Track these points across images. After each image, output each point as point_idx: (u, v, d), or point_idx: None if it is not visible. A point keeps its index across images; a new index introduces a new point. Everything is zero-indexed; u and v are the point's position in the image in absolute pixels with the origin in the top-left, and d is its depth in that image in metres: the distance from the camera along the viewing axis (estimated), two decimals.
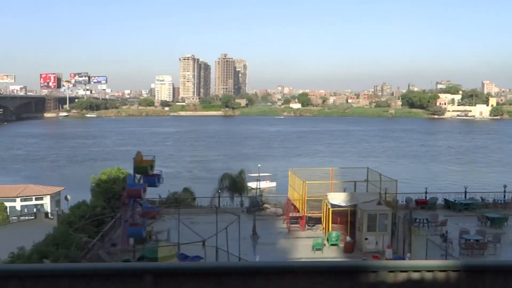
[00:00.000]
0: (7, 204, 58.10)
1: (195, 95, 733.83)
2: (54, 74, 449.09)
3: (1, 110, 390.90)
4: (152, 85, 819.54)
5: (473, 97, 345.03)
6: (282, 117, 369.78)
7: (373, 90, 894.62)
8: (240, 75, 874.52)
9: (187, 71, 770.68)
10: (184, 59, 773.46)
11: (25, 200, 59.67)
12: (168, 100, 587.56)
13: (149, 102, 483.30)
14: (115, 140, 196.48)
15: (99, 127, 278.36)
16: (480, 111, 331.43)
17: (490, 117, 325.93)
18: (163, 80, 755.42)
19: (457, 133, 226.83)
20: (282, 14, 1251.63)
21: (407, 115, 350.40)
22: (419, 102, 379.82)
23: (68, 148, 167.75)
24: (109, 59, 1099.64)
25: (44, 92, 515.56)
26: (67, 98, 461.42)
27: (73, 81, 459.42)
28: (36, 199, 60.10)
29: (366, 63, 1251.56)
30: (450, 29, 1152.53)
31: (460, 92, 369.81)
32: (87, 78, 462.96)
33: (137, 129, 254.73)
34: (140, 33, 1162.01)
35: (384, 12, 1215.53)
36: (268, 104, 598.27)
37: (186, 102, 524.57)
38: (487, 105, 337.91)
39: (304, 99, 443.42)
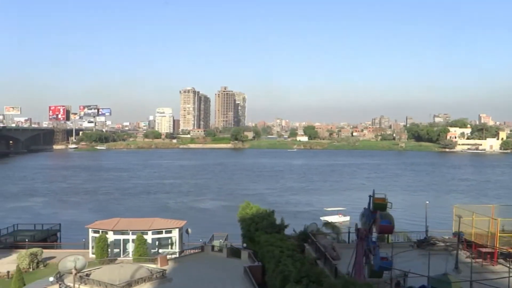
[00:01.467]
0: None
1: (195, 127, 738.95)
2: (63, 106, 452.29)
3: (11, 142, 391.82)
4: (151, 117, 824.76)
5: (482, 130, 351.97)
6: (295, 150, 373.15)
7: (370, 122, 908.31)
8: (239, 107, 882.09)
9: (188, 104, 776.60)
10: (185, 91, 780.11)
11: (156, 233, 61.79)
12: (168, 132, 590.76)
13: (156, 135, 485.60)
14: (150, 172, 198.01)
15: (119, 159, 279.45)
16: (491, 145, 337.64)
17: (500, 151, 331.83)
18: (163, 112, 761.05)
19: (483, 167, 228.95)
20: (278, 48, 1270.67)
21: (418, 148, 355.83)
22: (427, 135, 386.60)
23: (109, 180, 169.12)
24: (107, 92, 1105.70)
25: (44, 123, 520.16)
26: (73, 130, 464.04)
27: (82, 113, 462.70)
28: (166, 232, 62.26)
29: (361, 96, 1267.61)
30: (446, 63, 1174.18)
31: (468, 125, 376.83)
32: (96, 111, 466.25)
33: (161, 162, 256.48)
34: (139, 66, 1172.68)
35: (380, 45, 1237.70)
36: (274, 136, 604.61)
37: (191, 134, 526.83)
38: (497, 138, 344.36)
39: (311, 132, 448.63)
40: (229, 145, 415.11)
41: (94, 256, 63.60)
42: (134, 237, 62.09)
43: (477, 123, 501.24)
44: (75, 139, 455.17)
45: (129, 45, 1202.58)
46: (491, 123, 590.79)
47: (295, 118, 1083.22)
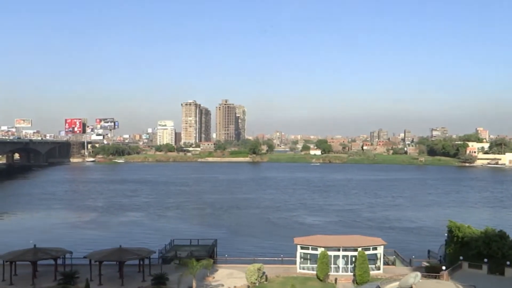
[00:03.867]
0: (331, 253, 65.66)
1: (197, 140, 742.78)
2: (79, 119, 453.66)
3: (31, 155, 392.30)
4: (149, 130, 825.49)
5: (501, 145, 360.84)
6: (318, 164, 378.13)
7: (367, 135, 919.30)
8: (239, 120, 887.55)
9: (189, 116, 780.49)
10: (186, 104, 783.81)
11: (364, 250, 66.55)
12: (170, 144, 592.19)
13: (170, 148, 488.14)
14: (203, 187, 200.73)
15: (154, 172, 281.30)
16: (510, 159, 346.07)
17: None
18: (165, 125, 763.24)
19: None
20: (275, 61, 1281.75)
21: (438, 163, 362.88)
22: (443, 150, 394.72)
23: (183, 194, 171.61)
24: (105, 104, 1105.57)
25: (48, 135, 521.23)
26: (85, 143, 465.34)
27: (98, 126, 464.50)
28: (372, 249, 67.09)
29: (356, 109, 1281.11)
30: (443, 77, 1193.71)
31: (484, 140, 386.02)
32: (112, 124, 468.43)
33: (195, 176, 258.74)
34: (139, 79, 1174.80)
35: (377, 58, 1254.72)
36: (284, 149, 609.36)
37: (201, 148, 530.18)
38: None
39: (324, 146, 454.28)
40: (247, 159, 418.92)
41: (302, 271, 68.43)
42: (344, 253, 67.17)
43: (490, 137, 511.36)
44: (87, 152, 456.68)
45: (128, 60, 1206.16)
46: (488, 136, 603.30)
47: (290, 131, 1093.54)
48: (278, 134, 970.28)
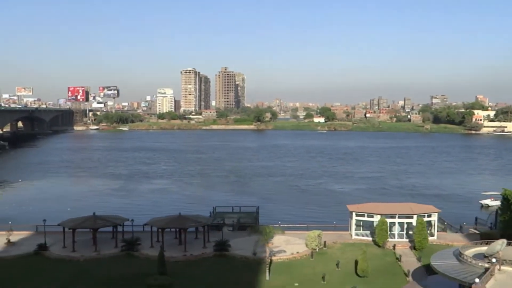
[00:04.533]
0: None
1: (197, 108, 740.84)
2: (82, 87, 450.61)
3: (35, 123, 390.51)
4: (148, 98, 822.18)
5: (508, 113, 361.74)
6: (325, 131, 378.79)
7: (367, 103, 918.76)
8: (239, 88, 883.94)
9: (189, 84, 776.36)
10: (186, 72, 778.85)
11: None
12: (172, 112, 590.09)
13: (173, 116, 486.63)
14: (219, 154, 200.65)
15: (156, 140, 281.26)
16: None
17: None
18: (164, 93, 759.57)
19: None
20: (275, 29, 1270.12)
21: (443, 130, 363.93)
22: (447, 118, 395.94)
23: (190, 162, 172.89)
24: (104, 71, 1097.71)
25: (48, 103, 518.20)
26: (87, 111, 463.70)
27: (102, 94, 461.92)
28: (427, 216, 68.00)
29: (354, 77, 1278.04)
30: (444, 44, 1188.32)
31: (489, 108, 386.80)
32: (116, 92, 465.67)
33: (206, 144, 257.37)
34: (138, 48, 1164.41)
35: (376, 26, 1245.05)
36: (287, 117, 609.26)
37: (203, 115, 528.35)
38: None
39: (328, 113, 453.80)
40: (251, 127, 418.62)
41: (356, 237, 69.39)
42: (399, 220, 68.03)
43: (489, 105, 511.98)
44: (89, 120, 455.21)
45: (129, 27, 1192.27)
46: (487, 104, 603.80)
47: (288, 99, 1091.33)
48: (278, 101, 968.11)
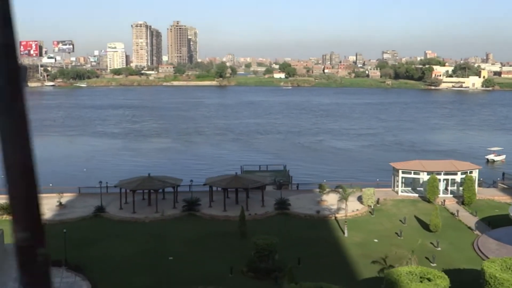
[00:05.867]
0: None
1: (149, 63, 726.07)
2: (35, 41, 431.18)
3: None
4: (96, 52, 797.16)
5: (465, 69, 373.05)
6: (290, 87, 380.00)
7: (320, 58, 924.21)
8: (191, 43, 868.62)
9: (140, 38, 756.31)
10: (137, 26, 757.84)
11: (463, 173, 70.55)
12: (120, 67, 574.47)
13: (131, 71, 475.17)
14: (201, 112, 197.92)
15: (125, 97, 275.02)
16: (473, 83, 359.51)
17: (482, 88, 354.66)
18: (115, 47, 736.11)
19: (502, 105, 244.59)
20: None
21: (404, 86, 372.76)
22: (406, 73, 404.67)
23: (178, 120, 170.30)
24: (49, 24, 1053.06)
25: None
26: (39, 67, 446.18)
27: (56, 49, 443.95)
28: (469, 173, 71.07)
29: (305, 32, 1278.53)
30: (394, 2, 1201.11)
31: (446, 64, 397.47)
32: (71, 46, 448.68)
33: (179, 100, 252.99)
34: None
35: None
36: (244, 73, 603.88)
37: (160, 70, 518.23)
38: (479, 77, 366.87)
39: (289, 69, 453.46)
40: (213, 83, 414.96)
41: (403, 194, 72.04)
42: (445, 177, 70.99)
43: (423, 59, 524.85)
44: (42, 76, 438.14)
45: None
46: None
47: (239, 54, 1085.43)
48: (230, 57, 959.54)
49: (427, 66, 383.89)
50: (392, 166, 73.94)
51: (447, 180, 70.30)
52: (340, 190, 57.78)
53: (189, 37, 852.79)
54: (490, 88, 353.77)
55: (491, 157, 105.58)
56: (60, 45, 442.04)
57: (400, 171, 71.07)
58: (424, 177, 69.40)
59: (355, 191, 61.07)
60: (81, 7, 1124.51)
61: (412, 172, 70.83)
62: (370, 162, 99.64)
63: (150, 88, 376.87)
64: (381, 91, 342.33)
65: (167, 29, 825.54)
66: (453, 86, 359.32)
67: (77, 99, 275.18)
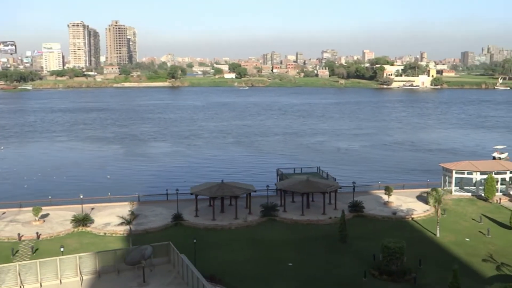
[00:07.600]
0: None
1: (87, 64, 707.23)
2: None
3: None
4: (28, 53, 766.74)
5: (415, 68, 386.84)
6: (247, 88, 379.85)
7: (261, 57, 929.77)
8: (131, 42, 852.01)
9: (78, 39, 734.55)
10: (73, 25, 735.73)
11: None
12: (59, 69, 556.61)
13: (77, 73, 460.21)
14: (183, 115, 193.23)
15: (85, 99, 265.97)
16: (422, 81, 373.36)
17: (431, 87, 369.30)
18: (51, 48, 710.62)
19: (460, 104, 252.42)
20: None
21: (358, 85, 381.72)
22: (356, 73, 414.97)
23: (166, 123, 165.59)
24: None
25: None
26: None
27: None
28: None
29: (242, 32, 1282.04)
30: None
31: (395, 63, 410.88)
32: (14, 47, 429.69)
33: (147, 103, 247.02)
34: None
35: None
36: (195, 73, 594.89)
37: (105, 72, 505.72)
38: (428, 75, 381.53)
39: (239, 69, 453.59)
40: (166, 84, 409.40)
41: (457, 193, 74.73)
42: (496, 176, 74.20)
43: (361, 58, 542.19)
44: None
45: None
46: (373, 57, 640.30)
47: (178, 53, 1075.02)
48: (170, 56, 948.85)
49: (378, 65, 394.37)
50: (442, 166, 76.54)
51: (497, 179, 73.42)
52: (434, 192, 59.21)
53: (128, 37, 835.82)
54: (439, 87, 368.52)
55: (496, 155, 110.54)
56: (1, 46, 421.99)
57: (454, 171, 73.56)
58: (477, 177, 72.28)
59: (445, 193, 62.81)
60: (12, 6, 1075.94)
61: (466, 172, 73.51)
62: (385, 163, 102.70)
63: (103, 90, 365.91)
64: (336, 91, 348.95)
65: (106, 28, 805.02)
66: (404, 85, 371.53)
67: (38, 102, 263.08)
